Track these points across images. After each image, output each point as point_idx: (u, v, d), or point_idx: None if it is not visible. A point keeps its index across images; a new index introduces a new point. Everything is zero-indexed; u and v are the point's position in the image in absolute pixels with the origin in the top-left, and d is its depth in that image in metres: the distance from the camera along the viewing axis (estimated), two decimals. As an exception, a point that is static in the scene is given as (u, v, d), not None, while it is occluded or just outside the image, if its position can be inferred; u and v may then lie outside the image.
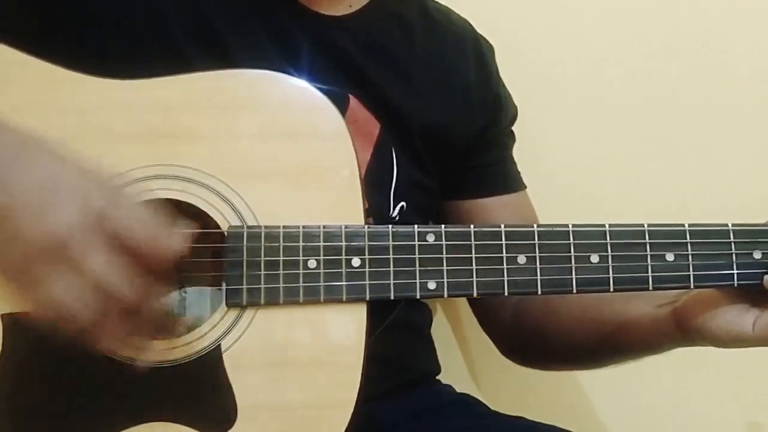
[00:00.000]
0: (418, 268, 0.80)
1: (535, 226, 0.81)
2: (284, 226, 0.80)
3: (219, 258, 0.82)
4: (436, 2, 1.12)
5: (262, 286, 0.79)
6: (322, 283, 0.79)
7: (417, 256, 0.80)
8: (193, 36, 0.93)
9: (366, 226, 0.81)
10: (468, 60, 1.08)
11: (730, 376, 1.32)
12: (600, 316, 0.96)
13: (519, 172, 1.13)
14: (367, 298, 0.80)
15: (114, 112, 0.82)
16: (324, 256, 0.80)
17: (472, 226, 0.81)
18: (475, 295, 0.80)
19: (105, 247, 0.67)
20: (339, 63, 0.98)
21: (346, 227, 0.80)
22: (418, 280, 0.80)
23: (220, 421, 0.78)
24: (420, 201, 1.02)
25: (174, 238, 0.70)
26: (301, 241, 0.80)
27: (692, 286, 0.81)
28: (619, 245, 0.81)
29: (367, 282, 0.80)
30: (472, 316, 1.14)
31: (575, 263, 0.80)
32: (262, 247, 0.80)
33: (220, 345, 0.79)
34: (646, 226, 0.81)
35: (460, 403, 1.07)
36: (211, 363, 0.79)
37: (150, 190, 0.80)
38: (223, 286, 0.80)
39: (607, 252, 0.80)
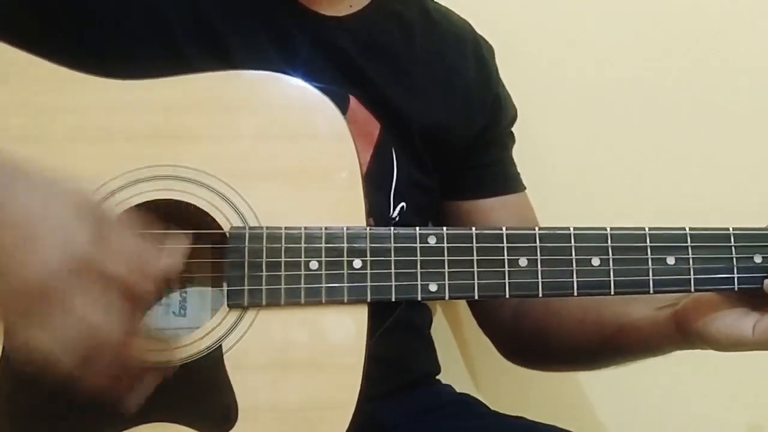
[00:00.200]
0: (419, 270, 0.80)
1: (536, 228, 0.81)
2: (286, 227, 0.80)
3: (220, 258, 0.82)
4: (436, 3, 1.12)
5: (264, 287, 0.79)
6: (323, 285, 0.79)
7: (418, 258, 0.80)
8: (193, 36, 0.93)
9: (368, 228, 0.81)
10: (468, 60, 1.08)
11: (730, 376, 1.32)
12: (600, 318, 0.96)
13: (518, 173, 1.13)
14: (369, 299, 0.80)
15: (114, 113, 0.82)
16: (326, 257, 0.80)
17: (473, 228, 0.81)
18: (476, 297, 0.80)
19: (90, 290, 0.66)
20: (339, 63, 0.98)
21: (348, 229, 0.80)
22: (419, 282, 0.80)
23: (220, 421, 0.78)
24: (420, 201, 1.03)
25: (163, 264, 0.70)
26: (302, 242, 0.80)
27: (693, 290, 0.82)
28: (620, 248, 0.81)
29: (368, 284, 0.80)
30: (472, 316, 1.15)
31: (576, 266, 0.80)
32: (264, 248, 0.79)
33: (221, 346, 0.79)
34: (647, 229, 0.81)
35: (460, 403, 1.08)
36: (212, 364, 0.79)
37: (149, 192, 0.80)
38: (225, 287, 0.80)
39: (608, 255, 0.80)
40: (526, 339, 1.07)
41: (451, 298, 0.80)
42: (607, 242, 0.81)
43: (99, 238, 0.67)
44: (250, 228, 0.80)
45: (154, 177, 0.81)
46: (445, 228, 0.81)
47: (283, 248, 0.80)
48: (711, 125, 1.34)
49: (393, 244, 0.80)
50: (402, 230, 0.81)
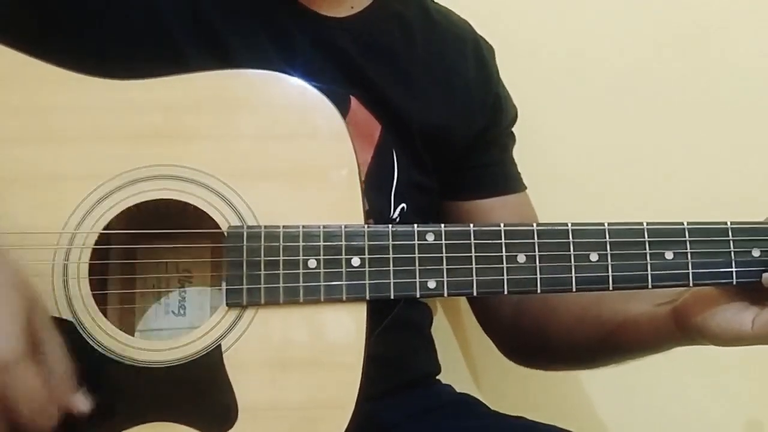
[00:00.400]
0: (417, 267, 0.80)
1: (534, 225, 0.81)
2: (284, 226, 0.80)
3: (219, 258, 0.82)
4: (437, 3, 1.12)
5: (262, 285, 0.79)
6: (322, 283, 0.79)
7: (417, 255, 0.80)
8: (193, 36, 0.93)
9: (366, 226, 0.81)
10: (468, 60, 1.08)
11: (730, 375, 1.32)
12: (599, 316, 0.96)
13: (519, 173, 1.13)
14: (367, 297, 0.80)
15: (114, 113, 0.82)
16: (324, 255, 0.80)
17: (471, 225, 0.81)
18: (474, 294, 0.80)
19: None
20: (340, 64, 0.98)
21: (346, 227, 0.80)
22: (417, 280, 0.80)
23: (220, 421, 0.78)
24: (420, 202, 1.03)
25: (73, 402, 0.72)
26: (301, 240, 0.80)
27: (691, 284, 0.81)
28: (619, 244, 0.80)
29: (367, 281, 0.79)
30: (473, 315, 1.15)
31: (575, 262, 0.80)
32: (262, 247, 0.79)
33: (220, 345, 0.79)
34: (645, 224, 0.81)
35: (460, 403, 1.07)
36: (211, 363, 0.78)
37: (148, 192, 0.81)
38: (223, 286, 0.80)
39: (607, 250, 0.80)
40: (526, 337, 1.07)
41: (449, 294, 0.80)
42: (605, 237, 0.81)
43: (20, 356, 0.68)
44: (248, 227, 0.80)
45: (152, 177, 0.81)
46: (443, 225, 0.81)
47: (281, 247, 0.80)
48: (710, 123, 1.34)
49: (391, 242, 0.80)
50: (400, 227, 0.81)
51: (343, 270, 0.80)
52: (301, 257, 0.80)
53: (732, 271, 0.81)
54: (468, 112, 1.06)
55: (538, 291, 0.80)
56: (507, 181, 1.11)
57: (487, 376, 1.34)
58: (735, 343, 0.83)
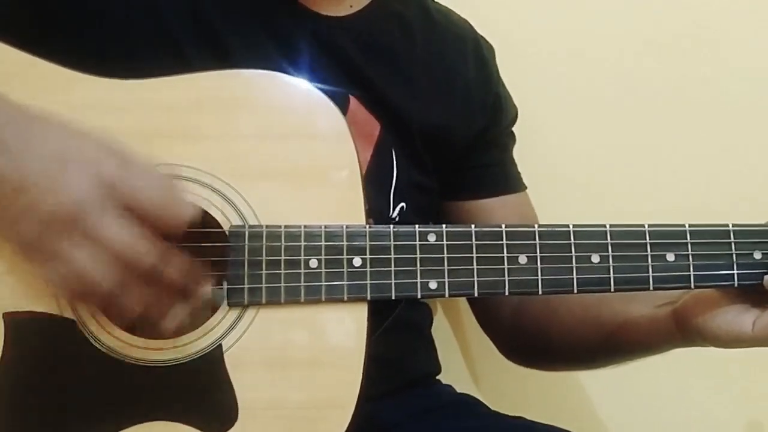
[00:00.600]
0: (419, 267, 0.80)
1: (536, 226, 0.81)
2: (286, 226, 0.80)
3: (220, 257, 0.82)
4: (437, 3, 1.12)
5: (264, 285, 0.79)
6: (323, 283, 0.79)
7: (418, 255, 0.80)
8: (193, 36, 0.93)
9: (367, 226, 0.81)
10: (468, 60, 1.08)
11: (730, 374, 1.32)
12: (600, 316, 0.96)
13: (519, 173, 1.13)
14: (369, 297, 0.80)
15: (115, 112, 0.82)
16: (325, 255, 0.80)
17: (473, 226, 0.81)
18: (476, 294, 0.80)
19: (118, 216, 0.69)
20: (339, 63, 0.98)
21: (347, 227, 0.80)
22: (419, 280, 0.80)
23: (221, 420, 0.78)
24: (420, 202, 1.03)
25: (183, 205, 0.72)
26: (302, 240, 0.80)
27: (693, 286, 0.81)
28: (620, 245, 0.81)
29: (368, 282, 0.80)
30: (473, 316, 1.15)
31: (576, 263, 0.80)
32: (264, 247, 0.80)
33: (221, 344, 0.79)
34: (646, 226, 0.81)
35: (460, 403, 1.08)
36: (212, 362, 0.79)
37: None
38: (225, 286, 0.80)
39: (608, 252, 0.80)
40: (527, 338, 1.07)
41: (451, 295, 0.80)
42: (606, 239, 0.81)
43: (125, 170, 0.70)
44: (250, 227, 0.80)
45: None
46: (444, 226, 0.81)
47: (282, 246, 0.80)
48: (711, 124, 1.34)
49: (393, 242, 0.80)
50: (402, 228, 0.81)
51: (345, 270, 0.80)
52: (302, 257, 0.80)
53: (733, 274, 0.81)
54: (468, 112, 1.06)
55: (540, 292, 0.80)
56: (507, 181, 1.11)
57: (486, 376, 1.34)
58: (735, 345, 0.83)
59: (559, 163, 1.32)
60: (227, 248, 0.80)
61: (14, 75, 0.82)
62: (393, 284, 0.80)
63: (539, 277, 0.80)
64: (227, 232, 0.80)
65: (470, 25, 1.13)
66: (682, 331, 0.87)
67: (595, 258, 0.80)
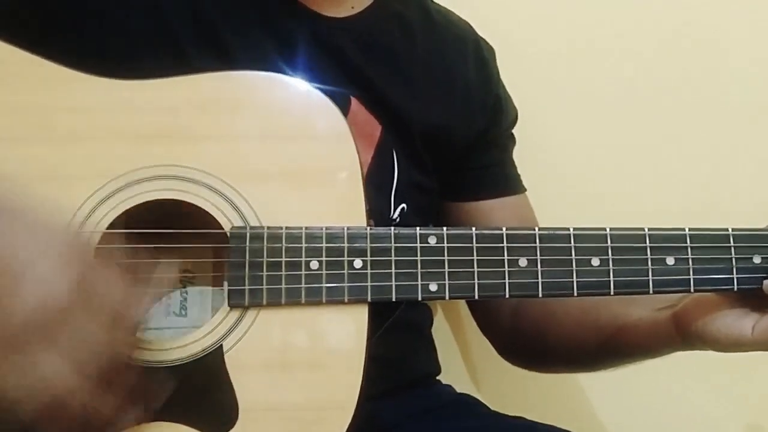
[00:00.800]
0: (419, 270, 0.80)
1: (536, 229, 0.81)
2: (287, 227, 0.80)
3: (221, 258, 0.82)
4: (437, 4, 1.12)
5: (264, 286, 0.79)
6: (324, 284, 0.79)
7: (419, 258, 0.80)
8: (194, 36, 0.93)
9: (368, 228, 0.81)
10: (468, 61, 1.08)
11: (729, 377, 1.32)
12: (599, 320, 0.96)
13: (519, 175, 1.13)
14: (369, 299, 0.80)
15: (115, 113, 0.82)
16: (326, 257, 0.80)
17: (473, 228, 0.81)
18: (476, 297, 0.80)
19: (66, 340, 0.65)
20: (340, 64, 0.98)
21: (348, 229, 0.80)
22: (419, 282, 0.80)
23: (221, 421, 0.78)
24: (420, 202, 1.03)
25: (138, 307, 0.71)
26: (303, 242, 0.80)
27: (692, 290, 0.81)
28: (620, 249, 0.81)
29: (368, 283, 0.80)
30: (473, 319, 1.15)
31: (576, 266, 0.80)
32: (265, 248, 0.80)
33: (221, 345, 0.79)
34: (646, 229, 0.81)
35: (460, 403, 1.08)
36: (212, 363, 0.79)
37: (151, 192, 0.81)
38: (225, 287, 0.80)
39: (608, 255, 0.80)
40: (525, 340, 1.07)
41: (451, 298, 0.80)
42: (606, 242, 0.81)
43: (80, 286, 0.66)
44: (251, 228, 0.80)
45: (155, 177, 0.81)
46: (445, 228, 0.81)
47: (283, 248, 0.80)
48: (711, 128, 1.34)
49: (393, 244, 0.80)
50: (402, 230, 0.81)
51: (345, 272, 0.80)
52: (303, 258, 0.80)
53: (733, 278, 0.81)
54: (468, 113, 1.06)
55: (540, 295, 0.80)
56: (507, 183, 1.11)
57: (486, 377, 1.34)
58: (734, 349, 0.83)
59: (559, 164, 1.32)
60: (228, 249, 0.80)
61: (14, 75, 0.82)
62: (393, 286, 0.80)
63: (539, 280, 0.80)
64: (228, 234, 0.80)
65: (471, 26, 1.13)
66: (681, 334, 0.87)
67: (595, 261, 0.80)
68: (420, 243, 0.80)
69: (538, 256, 0.80)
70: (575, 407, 1.36)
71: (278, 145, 0.82)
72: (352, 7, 1.01)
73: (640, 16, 1.34)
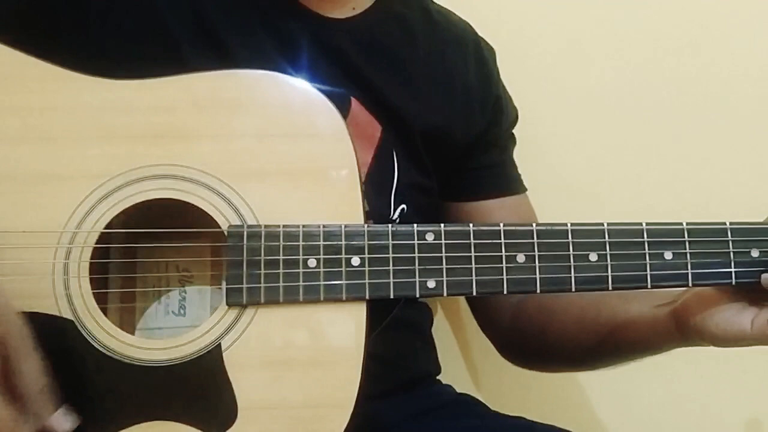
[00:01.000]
0: (417, 267, 0.80)
1: (533, 224, 0.81)
2: (284, 226, 0.80)
3: (219, 257, 0.82)
4: (437, 4, 1.12)
5: (262, 285, 0.79)
6: (321, 282, 0.79)
7: (416, 255, 0.80)
8: (193, 36, 0.93)
9: (366, 225, 0.81)
10: (468, 62, 1.08)
11: (730, 374, 1.32)
12: (598, 317, 0.96)
13: (519, 175, 1.13)
14: (367, 296, 0.80)
15: (114, 113, 0.82)
16: (324, 255, 0.80)
17: (471, 225, 0.81)
18: (474, 293, 0.80)
19: None
20: (341, 65, 0.98)
21: (345, 226, 0.80)
22: (417, 279, 0.80)
23: (220, 420, 0.78)
24: (421, 203, 1.03)
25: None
26: (300, 240, 0.80)
27: (690, 284, 0.81)
28: (618, 244, 0.80)
29: (366, 281, 0.80)
30: (474, 318, 1.15)
31: (574, 262, 0.80)
32: (262, 246, 0.80)
33: (220, 344, 0.79)
34: (644, 224, 0.81)
35: (460, 403, 1.08)
36: (211, 362, 0.78)
37: (149, 191, 0.81)
38: (223, 285, 0.80)
39: (606, 250, 0.80)
40: (526, 339, 1.07)
41: (449, 294, 0.80)
42: (604, 237, 0.81)
43: None
44: (249, 226, 0.80)
45: (153, 176, 0.81)
46: (442, 225, 0.81)
47: (281, 246, 0.80)
48: (709, 124, 1.34)
49: (391, 241, 0.80)
50: (400, 227, 0.81)
51: (343, 269, 0.80)
52: (300, 257, 0.80)
53: (731, 272, 0.81)
54: (468, 113, 1.06)
55: (538, 291, 0.80)
56: (507, 183, 1.11)
57: (486, 377, 1.34)
58: (734, 343, 0.83)
59: (560, 165, 1.32)
60: (226, 248, 0.80)
61: (13, 75, 0.83)
62: (391, 283, 0.80)
63: (537, 275, 0.80)
64: (226, 232, 0.80)
65: (471, 26, 1.13)
66: (681, 330, 0.87)
67: (593, 256, 0.80)
68: (417, 240, 0.80)
69: (536, 252, 0.80)
70: (575, 407, 1.36)
71: (276, 144, 0.82)
72: (353, 8, 1.01)
73: (639, 17, 1.34)
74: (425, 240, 0.80)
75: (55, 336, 0.78)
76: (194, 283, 0.89)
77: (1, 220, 0.78)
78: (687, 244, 0.81)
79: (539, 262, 0.80)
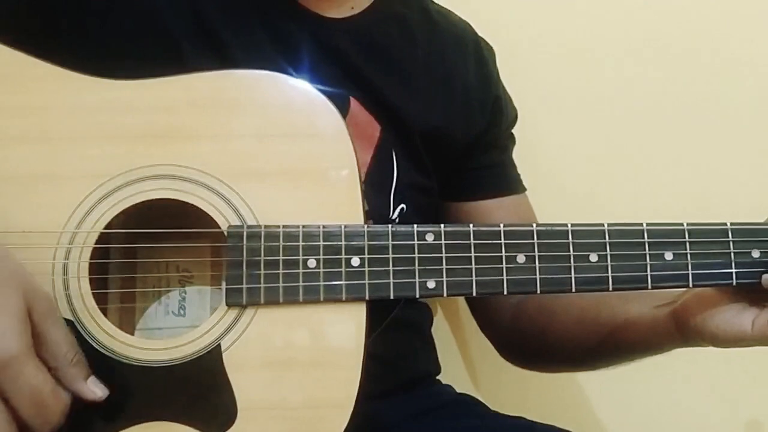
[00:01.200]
0: (417, 267, 0.80)
1: (534, 225, 0.81)
2: (284, 226, 0.80)
3: (219, 258, 0.82)
4: (437, 4, 1.12)
5: (262, 285, 0.79)
6: (321, 283, 0.79)
7: (416, 255, 0.80)
8: (193, 36, 0.93)
9: (365, 226, 0.80)
10: (468, 62, 1.08)
11: (730, 375, 1.32)
12: (598, 317, 0.96)
13: (519, 175, 1.13)
14: (367, 297, 0.80)
15: (114, 112, 0.82)
16: (323, 255, 0.79)
17: (471, 225, 0.81)
18: (474, 294, 0.80)
19: None
20: (340, 65, 0.98)
21: (345, 227, 0.80)
22: (417, 280, 0.80)
23: (219, 420, 0.78)
24: (420, 203, 1.03)
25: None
26: (300, 240, 0.80)
27: (691, 285, 0.81)
28: (618, 244, 0.80)
29: (366, 281, 0.79)
30: (474, 319, 1.15)
31: (574, 262, 0.80)
32: (262, 247, 0.79)
33: (219, 344, 0.79)
34: (644, 225, 0.81)
35: (460, 403, 1.08)
36: (210, 362, 0.78)
37: (148, 191, 0.81)
38: (223, 286, 0.79)
39: (606, 251, 0.80)
40: (526, 339, 1.07)
41: (449, 295, 0.80)
42: (604, 238, 0.80)
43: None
44: (248, 227, 0.80)
45: (152, 176, 0.81)
46: (442, 225, 0.81)
47: (281, 247, 0.80)
48: (709, 124, 1.34)
49: (391, 242, 0.80)
50: (400, 227, 0.80)
51: (343, 270, 0.80)
52: (300, 257, 0.79)
53: (732, 272, 0.81)
54: (468, 113, 1.06)
55: (538, 291, 0.80)
56: (507, 183, 1.11)
57: (486, 377, 1.34)
58: (734, 344, 0.83)
59: (560, 165, 1.32)
60: (225, 248, 0.80)
61: (13, 75, 0.83)
62: (391, 284, 0.80)
63: (537, 276, 0.80)
64: (225, 233, 0.80)
65: (471, 26, 1.13)
66: (681, 331, 0.87)
67: (594, 257, 0.80)
68: (417, 240, 0.80)
69: (536, 252, 0.80)
70: (575, 407, 1.36)
71: (276, 144, 0.82)
72: (352, 8, 1.01)
73: (639, 17, 1.34)
74: (425, 240, 0.80)
75: None
76: (194, 284, 0.89)
77: (1, 220, 0.78)
78: (687, 244, 0.81)
79: (539, 263, 0.80)
